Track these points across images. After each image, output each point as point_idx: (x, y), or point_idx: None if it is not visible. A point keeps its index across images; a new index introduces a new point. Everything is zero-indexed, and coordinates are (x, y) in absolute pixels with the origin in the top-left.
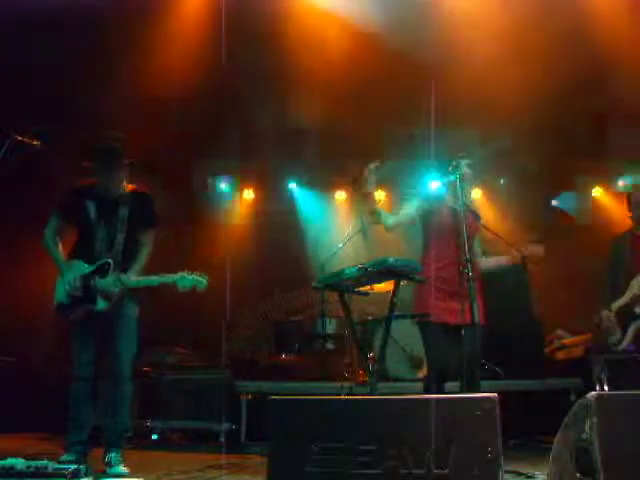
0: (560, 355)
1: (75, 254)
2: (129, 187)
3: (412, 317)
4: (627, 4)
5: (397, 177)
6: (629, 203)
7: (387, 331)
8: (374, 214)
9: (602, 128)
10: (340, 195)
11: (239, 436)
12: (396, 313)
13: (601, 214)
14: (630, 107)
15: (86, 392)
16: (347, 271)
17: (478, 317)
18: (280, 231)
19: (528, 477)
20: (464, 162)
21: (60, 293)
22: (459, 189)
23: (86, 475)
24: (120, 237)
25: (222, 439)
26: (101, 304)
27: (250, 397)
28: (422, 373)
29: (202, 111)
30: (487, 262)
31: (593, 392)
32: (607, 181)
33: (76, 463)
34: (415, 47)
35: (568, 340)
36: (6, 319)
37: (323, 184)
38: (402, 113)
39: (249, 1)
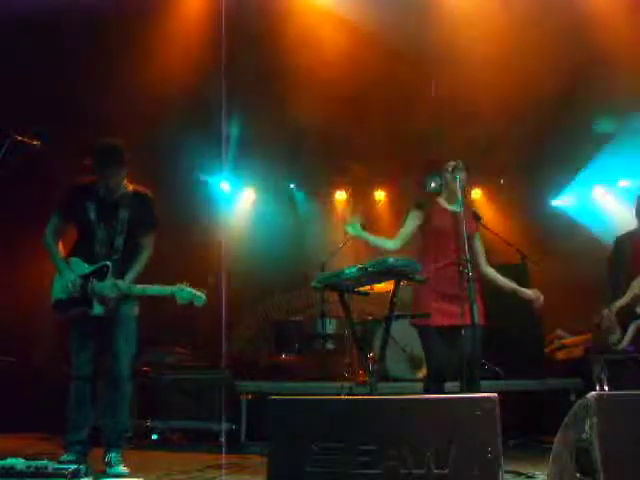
0: (560, 355)
1: (75, 254)
2: (130, 187)
3: (412, 317)
4: (625, 3)
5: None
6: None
7: (387, 331)
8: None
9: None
10: (340, 195)
11: (239, 436)
12: (396, 313)
13: (601, 214)
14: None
15: (85, 392)
16: (347, 271)
17: (478, 318)
18: (280, 231)
19: (528, 477)
20: (461, 163)
21: (57, 290)
22: (458, 189)
23: (86, 475)
24: (120, 239)
25: (222, 439)
26: (97, 309)
27: (250, 397)
28: (422, 373)
29: (202, 111)
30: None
31: (593, 392)
32: (607, 181)
33: (76, 463)
34: (415, 47)
35: (568, 340)
36: (6, 319)
37: (323, 184)
38: (402, 113)
39: (249, 1)
